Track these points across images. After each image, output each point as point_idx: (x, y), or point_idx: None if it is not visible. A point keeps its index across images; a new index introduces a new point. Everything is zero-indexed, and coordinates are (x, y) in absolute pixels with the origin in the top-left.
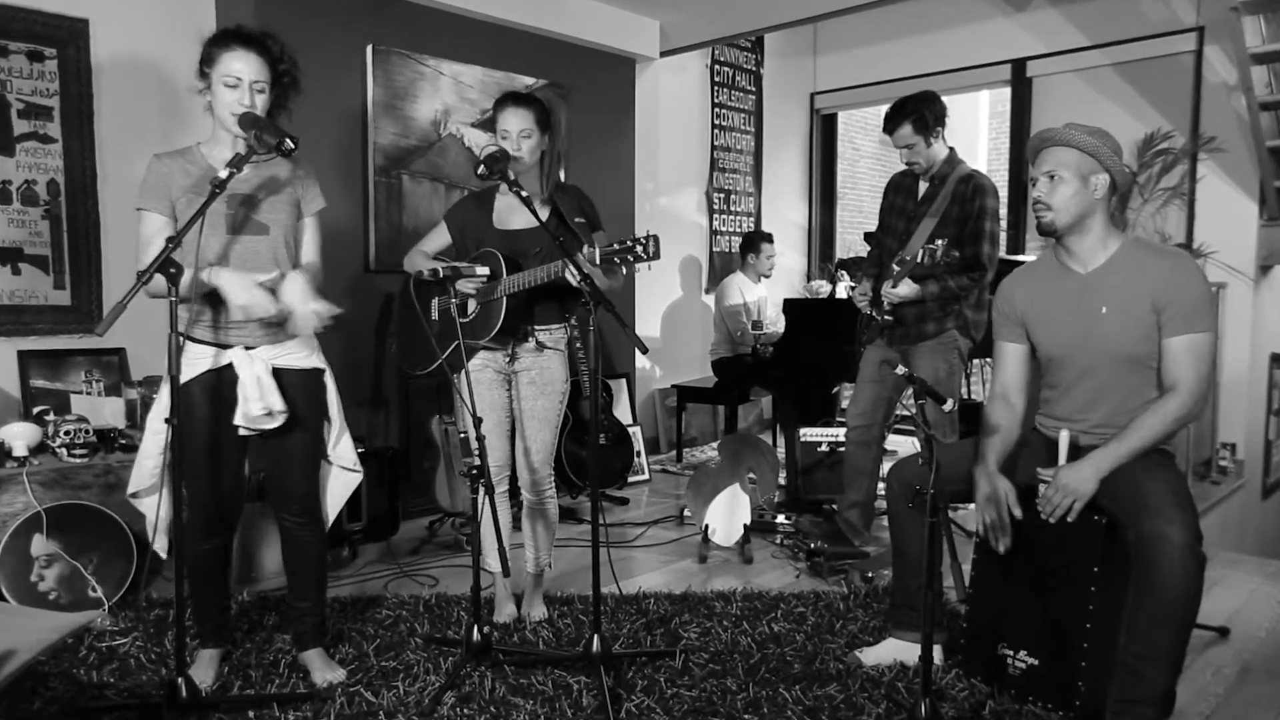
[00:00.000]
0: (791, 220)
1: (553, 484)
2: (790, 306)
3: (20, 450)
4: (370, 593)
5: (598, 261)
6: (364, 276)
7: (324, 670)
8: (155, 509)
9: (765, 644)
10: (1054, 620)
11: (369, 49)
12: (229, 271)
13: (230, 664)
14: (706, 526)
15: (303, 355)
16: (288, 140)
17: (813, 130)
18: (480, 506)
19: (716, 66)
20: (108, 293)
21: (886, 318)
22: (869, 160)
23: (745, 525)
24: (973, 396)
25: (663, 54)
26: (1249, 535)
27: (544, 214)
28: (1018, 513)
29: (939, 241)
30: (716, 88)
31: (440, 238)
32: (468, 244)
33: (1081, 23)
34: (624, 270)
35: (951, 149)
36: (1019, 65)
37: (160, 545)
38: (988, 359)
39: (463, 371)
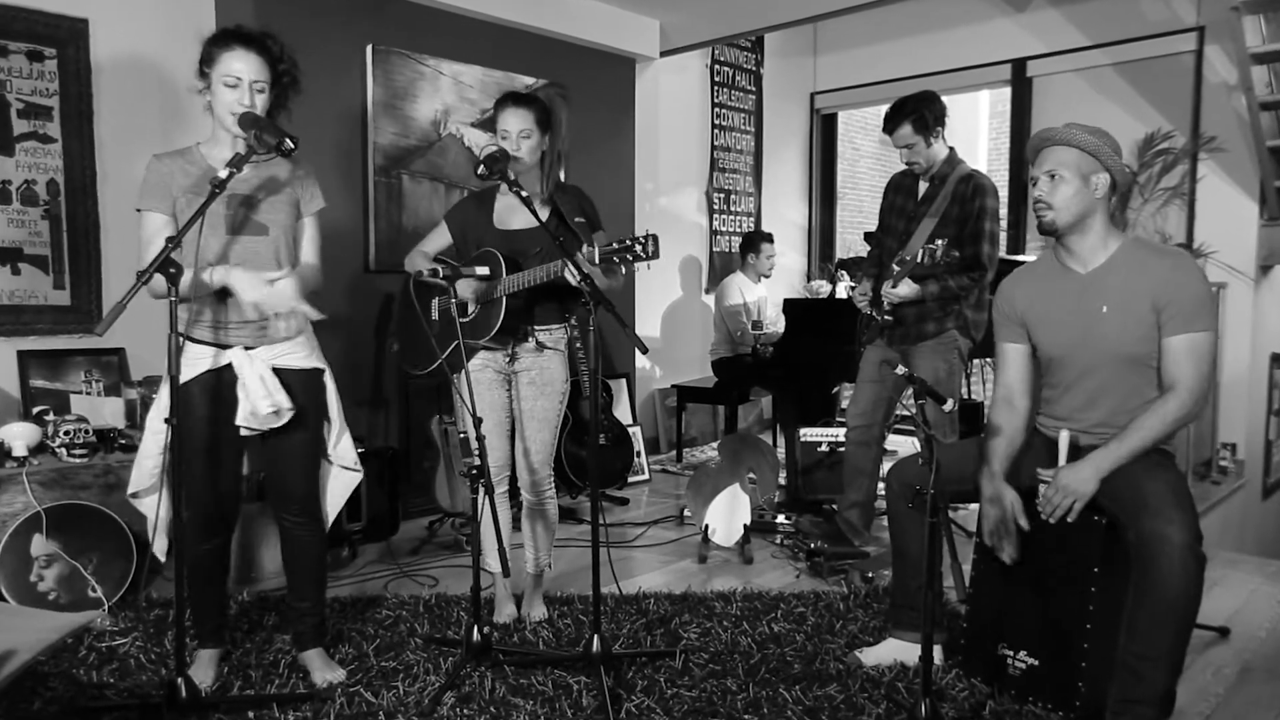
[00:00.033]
0: (791, 220)
1: (552, 484)
2: (790, 306)
3: (20, 450)
4: (370, 593)
5: (597, 261)
6: (364, 276)
7: (324, 670)
8: (155, 509)
9: (765, 644)
10: (1054, 620)
11: (369, 49)
12: (240, 270)
13: (230, 664)
14: (706, 526)
15: (302, 355)
16: (287, 140)
17: (813, 130)
18: (480, 506)
19: (716, 66)
20: (107, 293)
21: (886, 318)
22: (869, 160)
23: (745, 525)
24: (973, 396)
25: (663, 54)
26: (1249, 535)
27: (544, 214)
28: (1024, 524)
29: (939, 241)
30: (716, 88)
31: (441, 238)
32: (468, 244)
33: (1081, 22)
34: (623, 270)
35: (951, 149)
36: (1019, 65)
37: (159, 546)
38: (988, 359)
39: (463, 371)
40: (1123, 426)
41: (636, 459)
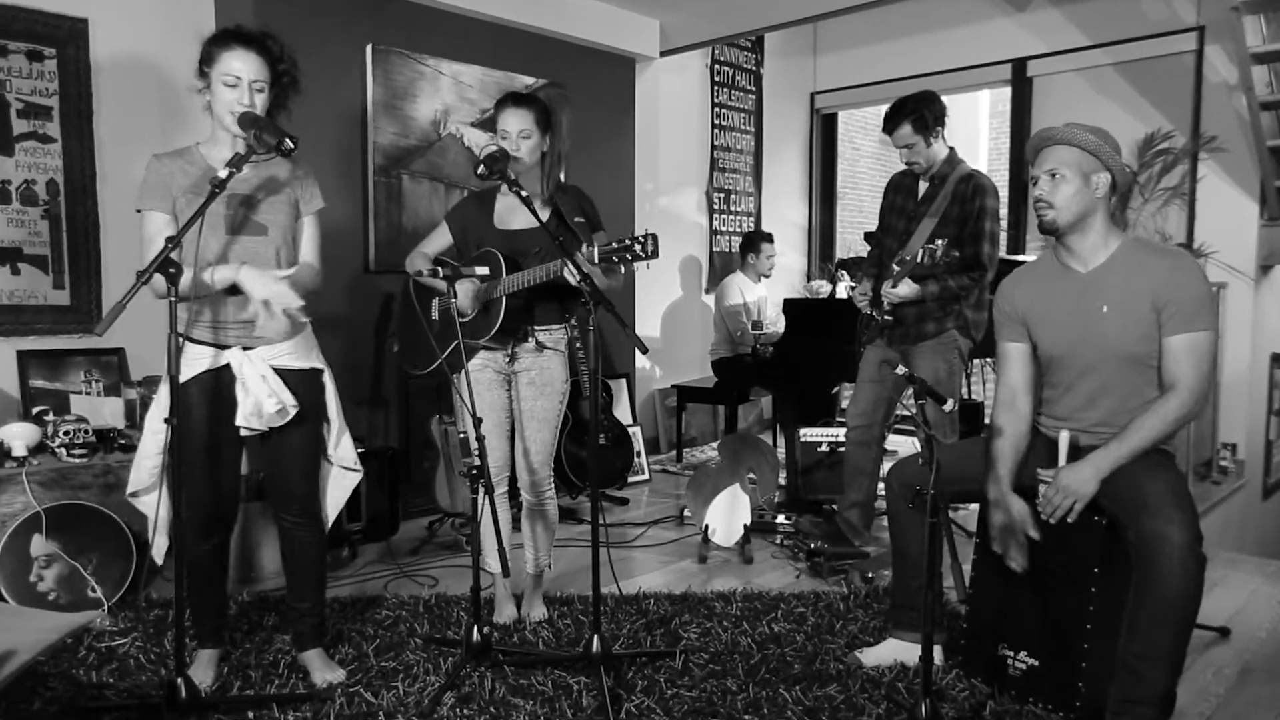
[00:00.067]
0: (791, 220)
1: (552, 485)
2: (790, 306)
3: (19, 450)
4: (370, 593)
5: (596, 260)
6: (364, 276)
7: (323, 671)
8: (155, 507)
9: (765, 644)
10: (1054, 621)
11: (369, 49)
12: (250, 267)
13: (230, 664)
14: (706, 527)
15: (300, 356)
16: (287, 140)
17: (813, 130)
18: (480, 507)
19: (716, 66)
20: (107, 293)
21: (886, 318)
22: (869, 160)
23: (745, 525)
24: (973, 396)
25: (663, 54)
26: (1249, 535)
27: (544, 214)
28: (1034, 534)
29: (939, 241)
30: (716, 87)
31: (442, 238)
32: (469, 244)
33: (1082, 22)
34: (623, 269)
35: (951, 149)
36: (1019, 65)
37: (159, 547)
38: (988, 359)
39: (462, 371)
40: (1123, 426)
41: (636, 459)
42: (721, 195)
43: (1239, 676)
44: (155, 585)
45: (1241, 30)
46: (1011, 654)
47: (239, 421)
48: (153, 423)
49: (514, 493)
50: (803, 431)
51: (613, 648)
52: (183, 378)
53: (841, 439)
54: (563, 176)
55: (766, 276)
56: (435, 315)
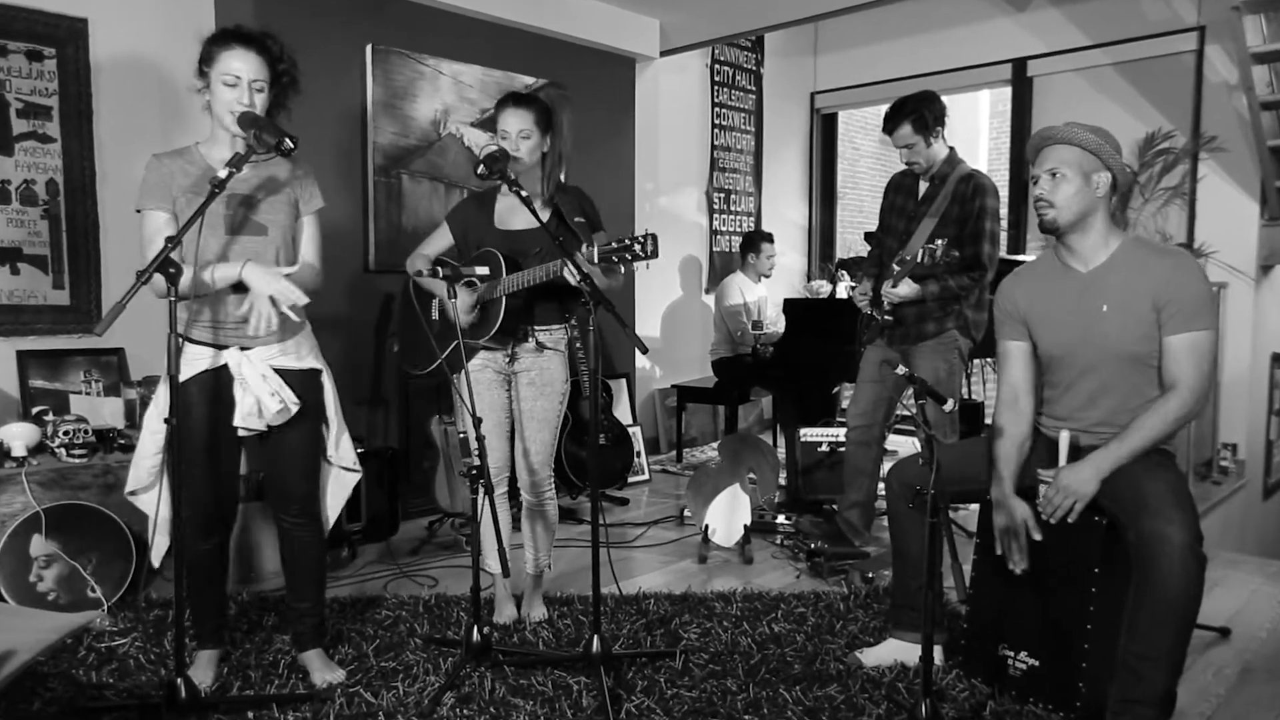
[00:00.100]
0: (791, 220)
1: (552, 485)
2: (790, 306)
3: (19, 450)
4: (370, 593)
5: (596, 260)
6: (364, 276)
7: (323, 671)
8: (155, 505)
9: (765, 644)
10: (1054, 621)
11: (369, 48)
12: (254, 264)
13: (229, 664)
14: (706, 527)
15: (299, 356)
16: (287, 140)
17: (813, 130)
18: (480, 507)
19: (716, 66)
20: (106, 293)
21: (886, 318)
22: (869, 160)
23: (745, 525)
24: (973, 396)
25: (663, 54)
26: (1250, 535)
27: (545, 214)
28: (1037, 536)
29: (939, 241)
30: (716, 87)
31: (442, 239)
32: (469, 244)
33: (1082, 22)
34: (623, 269)
35: (951, 149)
36: (1019, 65)
37: (158, 547)
38: (988, 359)
39: (462, 372)
40: (1123, 426)
41: (636, 459)
42: (721, 195)
43: (1239, 677)
44: (155, 585)
45: (1242, 30)
46: (1012, 654)
47: (237, 422)
48: (151, 422)
49: (514, 493)
50: (803, 431)
51: (613, 648)
52: (182, 377)
53: (841, 439)
54: (563, 177)
55: (767, 276)
56: (435, 315)
